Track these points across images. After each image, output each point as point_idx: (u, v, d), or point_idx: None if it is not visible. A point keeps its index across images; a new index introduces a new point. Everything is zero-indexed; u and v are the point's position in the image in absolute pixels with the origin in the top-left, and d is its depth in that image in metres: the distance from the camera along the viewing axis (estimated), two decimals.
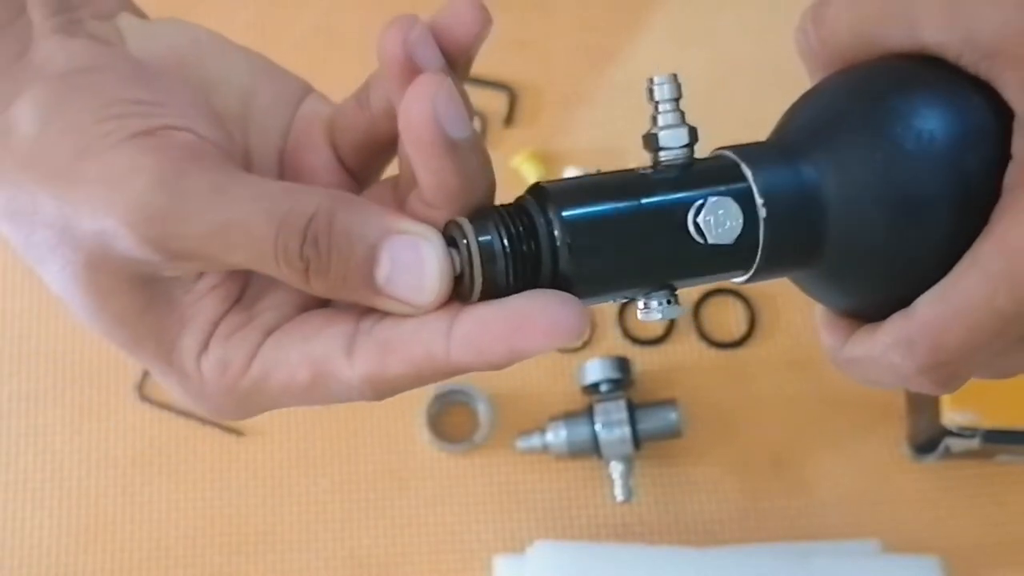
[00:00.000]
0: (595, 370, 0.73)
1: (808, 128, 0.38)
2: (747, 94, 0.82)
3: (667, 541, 0.72)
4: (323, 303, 0.37)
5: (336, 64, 0.82)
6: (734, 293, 0.78)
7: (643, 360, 0.76)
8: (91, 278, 0.34)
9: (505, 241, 0.34)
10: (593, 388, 0.73)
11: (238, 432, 0.74)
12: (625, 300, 0.36)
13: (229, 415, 0.37)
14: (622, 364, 0.73)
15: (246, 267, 0.34)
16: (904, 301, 0.36)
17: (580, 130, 0.81)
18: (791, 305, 0.78)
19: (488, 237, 0.34)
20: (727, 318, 0.78)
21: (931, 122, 0.36)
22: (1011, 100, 0.35)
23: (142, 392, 0.75)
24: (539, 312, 0.32)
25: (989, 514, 0.73)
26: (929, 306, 0.36)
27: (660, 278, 0.36)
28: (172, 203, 0.32)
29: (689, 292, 0.78)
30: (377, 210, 0.34)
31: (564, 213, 0.34)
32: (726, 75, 0.82)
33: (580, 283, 0.34)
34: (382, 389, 0.35)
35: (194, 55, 0.37)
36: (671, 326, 0.77)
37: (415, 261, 0.33)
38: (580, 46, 0.84)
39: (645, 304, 0.36)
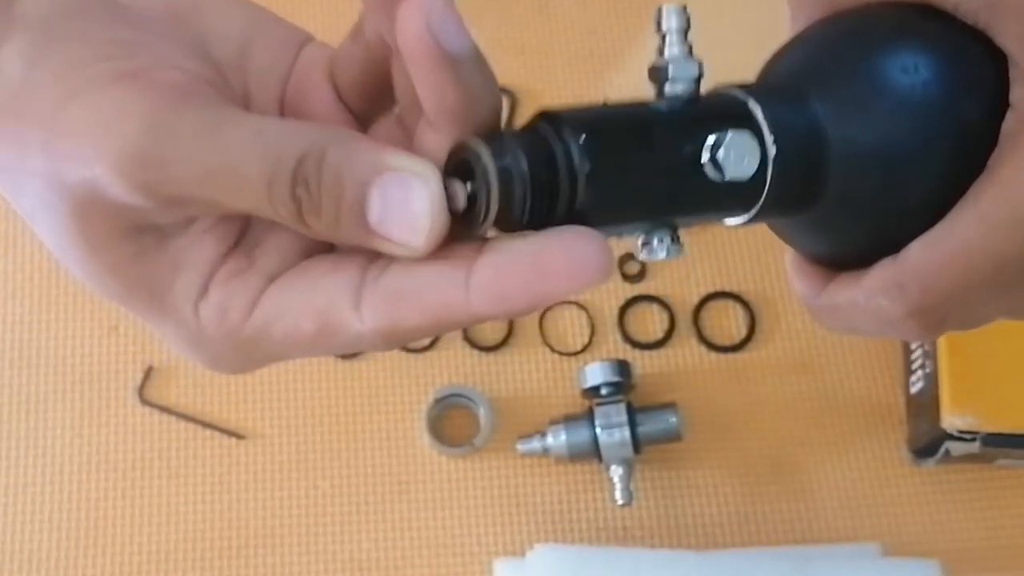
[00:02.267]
0: (595, 373, 0.73)
1: (807, 71, 0.38)
2: None
3: (667, 545, 0.72)
4: (329, 247, 0.35)
5: None
6: (734, 297, 0.78)
7: (643, 363, 0.77)
8: (81, 228, 0.33)
9: (524, 165, 0.32)
10: (593, 391, 0.73)
11: (239, 435, 0.74)
12: (634, 235, 0.35)
13: (230, 365, 0.35)
14: (622, 367, 0.73)
15: (243, 211, 0.33)
16: (893, 247, 0.37)
17: None
18: (791, 309, 0.78)
19: (507, 159, 0.32)
20: (727, 322, 0.78)
21: (930, 69, 0.37)
22: (1009, 50, 0.36)
23: (142, 395, 0.75)
24: (563, 252, 0.30)
25: (989, 518, 0.73)
26: (923, 250, 0.36)
27: (669, 213, 0.35)
28: (163, 147, 0.31)
29: (689, 296, 0.78)
30: (369, 146, 0.32)
31: (583, 140, 0.32)
32: (726, 78, 0.82)
33: (596, 216, 0.33)
34: (395, 339, 0.33)
35: (190, 5, 0.36)
36: (671, 330, 0.77)
37: (405, 199, 0.31)
38: (581, 50, 0.84)
39: (646, 241, 0.35)
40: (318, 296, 0.33)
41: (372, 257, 0.33)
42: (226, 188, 0.31)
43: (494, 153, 0.32)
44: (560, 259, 0.30)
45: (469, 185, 0.32)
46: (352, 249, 0.34)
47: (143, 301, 0.35)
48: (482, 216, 0.32)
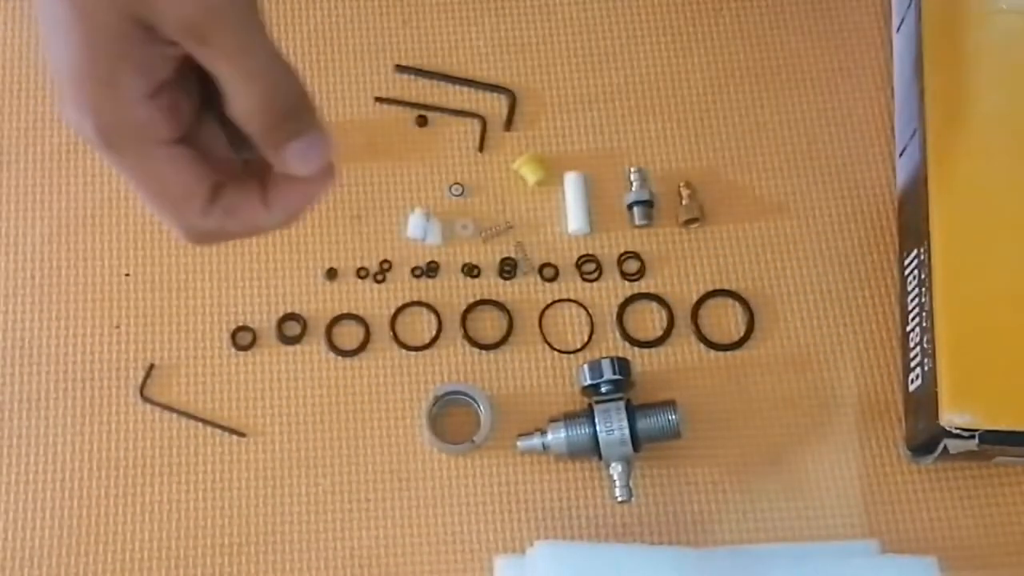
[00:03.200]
0: (595, 371, 0.73)
1: None
2: (745, 97, 0.82)
3: (666, 541, 0.73)
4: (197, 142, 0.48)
5: (336, 73, 0.82)
6: (733, 295, 0.79)
7: (643, 361, 0.77)
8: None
9: None
10: (593, 389, 0.73)
11: (240, 433, 0.74)
12: None
13: (97, 140, 0.45)
14: (622, 365, 0.73)
15: (223, 83, 0.44)
16: None
17: (580, 133, 0.82)
18: (789, 307, 0.79)
19: None
20: (726, 320, 0.78)
21: None
22: None
23: (144, 393, 0.75)
24: (306, 170, 0.48)
25: (986, 515, 0.74)
26: None
27: None
28: None
29: (688, 294, 0.79)
30: (314, 115, 0.47)
31: None
32: (725, 78, 0.82)
33: None
34: (211, 239, 0.49)
35: None
36: (670, 328, 0.78)
37: (311, 153, 0.47)
38: (580, 49, 0.84)
39: None
40: (187, 178, 0.46)
41: (224, 181, 0.48)
42: (225, 54, 0.43)
43: None
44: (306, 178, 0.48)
45: None
46: (219, 158, 0.48)
47: (104, 60, 0.43)
48: None
